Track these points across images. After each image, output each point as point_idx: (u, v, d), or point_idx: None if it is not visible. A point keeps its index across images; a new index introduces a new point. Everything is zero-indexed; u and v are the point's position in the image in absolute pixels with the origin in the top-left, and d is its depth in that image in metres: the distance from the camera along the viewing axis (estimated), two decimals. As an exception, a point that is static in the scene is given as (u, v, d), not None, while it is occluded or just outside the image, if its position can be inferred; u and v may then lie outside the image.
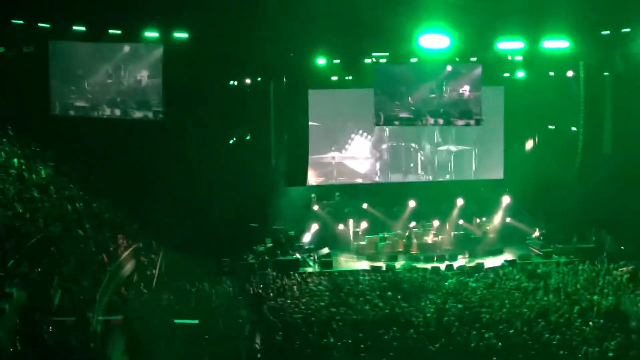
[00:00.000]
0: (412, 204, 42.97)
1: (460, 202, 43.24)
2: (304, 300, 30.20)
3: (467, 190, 44.15)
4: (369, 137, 44.69)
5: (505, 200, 43.27)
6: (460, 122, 39.23)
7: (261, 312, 28.74)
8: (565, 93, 42.30)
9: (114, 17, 33.79)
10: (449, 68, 38.02)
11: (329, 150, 44.39)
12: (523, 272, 34.51)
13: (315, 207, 43.27)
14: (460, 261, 38.31)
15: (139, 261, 32.59)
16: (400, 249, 40.30)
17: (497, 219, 42.98)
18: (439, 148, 45.46)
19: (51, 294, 22.76)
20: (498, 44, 36.12)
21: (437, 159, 45.50)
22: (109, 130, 36.10)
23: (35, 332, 20.58)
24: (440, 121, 38.92)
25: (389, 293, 31.19)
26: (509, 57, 39.16)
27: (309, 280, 34.29)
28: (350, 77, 41.54)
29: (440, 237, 41.41)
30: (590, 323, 26.57)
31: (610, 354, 23.78)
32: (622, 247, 37.16)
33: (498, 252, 40.00)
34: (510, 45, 36.45)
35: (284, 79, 42.09)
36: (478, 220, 42.91)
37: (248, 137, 43.16)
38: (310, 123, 43.42)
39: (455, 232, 41.95)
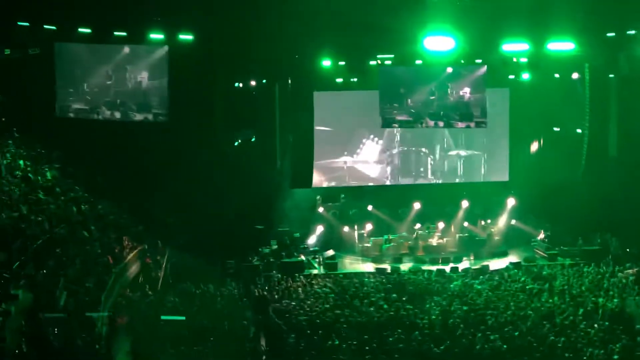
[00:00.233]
0: (417, 206, 42.96)
1: (465, 204, 43.22)
2: (308, 302, 30.18)
3: (472, 192, 44.13)
4: (380, 141, 44.69)
5: (511, 202, 43.26)
6: (461, 125, 39.32)
7: (266, 314, 28.73)
8: (571, 95, 42.31)
9: (119, 19, 33.85)
10: (449, 70, 38.05)
11: (341, 155, 44.41)
12: (528, 274, 34.46)
13: (320, 209, 43.27)
14: (465, 263, 38.33)
15: (144, 263, 32.61)
16: (405, 251, 40.31)
17: (502, 221, 42.97)
18: (449, 153, 45.44)
19: (57, 295, 22.78)
20: (503, 45, 36.12)
21: (447, 164, 45.50)
22: (115, 131, 36.18)
23: (41, 333, 20.58)
24: (441, 124, 38.96)
25: (394, 295, 31.18)
26: (514, 59, 39.17)
27: (313, 282, 34.31)
28: (355, 79, 41.52)
29: (445, 239, 41.40)
30: (596, 325, 26.51)
31: (616, 357, 23.72)
32: (628, 249, 37.15)
33: (503, 254, 40.02)
34: (516, 47, 36.44)
35: (289, 81, 42.12)
36: (483, 223, 42.92)
37: (253, 139, 43.17)
38: (321, 128, 43.55)
39: (460, 234, 41.94)
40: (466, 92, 38.03)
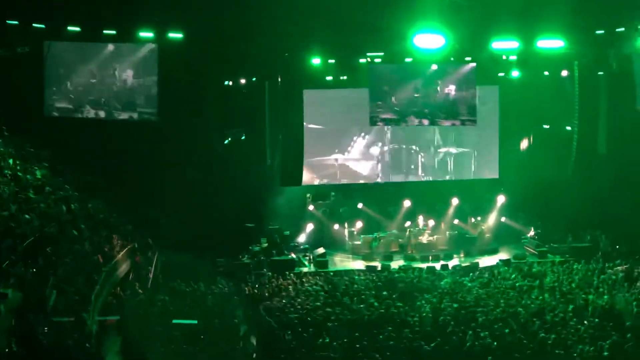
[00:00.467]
0: (407, 203, 42.99)
1: (455, 201, 43.26)
2: (299, 300, 30.17)
3: (462, 189, 44.18)
4: (371, 139, 44.74)
5: (501, 199, 43.32)
6: (447, 123, 39.36)
7: (257, 312, 28.73)
8: (560, 93, 42.45)
9: (109, 18, 33.77)
10: (435, 67, 38.06)
11: (332, 153, 44.46)
12: (518, 271, 34.51)
13: (311, 207, 43.30)
14: (456, 261, 38.38)
15: (134, 261, 32.56)
16: (396, 249, 40.34)
17: (492, 218, 43.06)
18: (440, 150, 45.50)
19: (46, 294, 22.75)
20: (493, 43, 36.13)
21: (438, 161, 45.56)
22: (105, 130, 36.09)
23: (31, 333, 20.55)
24: (425, 122, 38.97)
25: (385, 293, 31.20)
26: (504, 57, 39.21)
27: (304, 280, 34.29)
28: (345, 77, 41.54)
29: (435, 236, 41.45)
30: (586, 322, 26.57)
31: (606, 353, 23.78)
32: (617, 246, 37.22)
33: (493, 251, 40.10)
34: (505, 45, 36.47)
35: (279, 79, 42.04)
36: (473, 220, 43.00)
37: (243, 137, 43.18)
38: (312, 126, 43.54)
39: (451, 232, 42.00)
40: (452, 89, 38.04)
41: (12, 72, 33.51)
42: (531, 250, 39.84)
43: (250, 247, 38.94)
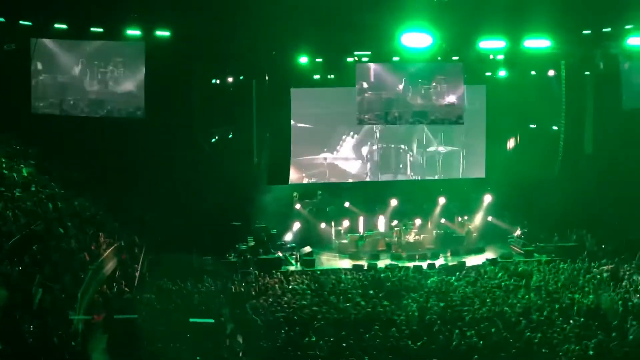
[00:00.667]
0: (393, 202, 43.02)
1: (442, 200, 43.32)
2: (285, 298, 30.13)
3: (449, 189, 44.30)
4: (360, 138, 44.85)
5: (487, 199, 43.38)
6: (434, 122, 39.44)
7: (243, 310, 28.70)
8: (547, 92, 42.65)
9: (96, 15, 33.66)
10: (422, 67, 38.07)
11: (321, 152, 44.53)
12: (504, 270, 34.58)
13: (297, 206, 43.31)
14: (442, 260, 38.43)
15: (120, 259, 32.53)
16: (382, 248, 40.38)
17: (479, 217, 43.12)
18: (428, 149, 45.60)
19: (32, 292, 22.68)
20: (480, 43, 36.14)
21: (426, 160, 45.69)
22: (92, 128, 35.98)
23: (16, 331, 20.48)
24: (413, 121, 38.98)
25: (371, 292, 31.20)
26: (491, 56, 39.28)
27: (290, 278, 34.28)
28: (332, 76, 41.61)
29: (422, 235, 41.50)
30: (571, 321, 26.63)
31: (591, 352, 23.83)
32: (603, 246, 37.32)
33: (480, 250, 40.20)
34: (492, 45, 36.48)
35: (267, 78, 42.08)
36: (460, 219, 43.06)
37: (230, 136, 43.19)
38: (301, 125, 43.63)
39: (437, 231, 42.04)
40: (439, 89, 38.04)
41: (-1, 69, 33.47)
42: (517, 249, 39.92)
43: (237, 246, 38.91)
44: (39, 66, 34.42)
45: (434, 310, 28.11)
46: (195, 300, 29.62)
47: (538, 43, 35.85)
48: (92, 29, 34.24)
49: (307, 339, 25.24)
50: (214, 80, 41.42)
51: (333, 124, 44.53)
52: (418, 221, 42.06)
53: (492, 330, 25.81)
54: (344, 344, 24.91)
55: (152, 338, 24.73)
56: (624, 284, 31.32)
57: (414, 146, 45.52)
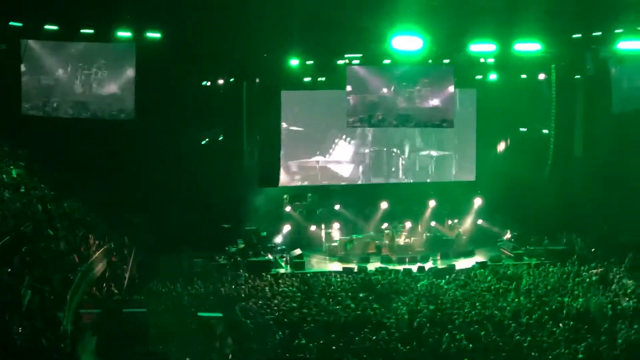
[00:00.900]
0: (384, 205, 43.03)
1: (432, 203, 43.33)
2: (275, 301, 30.15)
3: (439, 192, 44.28)
4: (352, 141, 44.85)
5: (477, 202, 43.41)
6: (424, 125, 39.54)
7: (233, 312, 28.68)
8: (537, 96, 42.76)
9: (87, 17, 33.59)
10: (413, 69, 38.07)
11: (314, 155, 44.52)
12: (494, 273, 34.60)
13: (288, 208, 43.27)
14: (432, 263, 38.43)
15: (110, 261, 32.45)
16: (372, 251, 40.39)
17: (469, 220, 43.13)
18: (421, 153, 45.63)
19: (22, 294, 22.62)
20: (470, 46, 36.19)
21: (419, 164, 45.72)
22: (82, 129, 35.90)
23: (5, 332, 20.43)
24: (404, 124, 39.02)
25: (361, 294, 31.23)
26: (482, 60, 39.35)
27: (280, 281, 34.24)
28: (323, 79, 41.61)
29: (412, 238, 41.49)
30: (561, 325, 26.68)
31: (580, 356, 23.89)
32: (592, 249, 37.36)
33: (469, 253, 40.18)
34: (483, 48, 36.54)
35: (257, 80, 42.06)
36: (450, 222, 43.05)
37: (221, 138, 43.14)
38: (293, 128, 43.63)
39: (428, 234, 42.05)
40: (430, 92, 38.07)
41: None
42: (507, 252, 39.92)
43: (226, 248, 38.84)
44: (23, 67, 34.29)
45: (424, 313, 28.17)
46: (184, 302, 29.59)
47: (528, 47, 35.92)
48: (82, 31, 34.15)
49: (296, 341, 25.29)
50: (204, 83, 41.36)
51: (324, 126, 44.48)
52: (408, 224, 42.03)
53: (482, 333, 25.88)
54: (334, 347, 24.99)
55: (142, 340, 24.69)
56: (613, 287, 31.43)
57: (407, 149, 45.53)
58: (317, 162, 44.64)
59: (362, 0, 32.56)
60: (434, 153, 45.73)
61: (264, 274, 35.56)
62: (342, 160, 45.02)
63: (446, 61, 38.54)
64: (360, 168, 45.34)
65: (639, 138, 37.84)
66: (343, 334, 26.01)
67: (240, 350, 25.21)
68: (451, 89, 38.10)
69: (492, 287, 32.07)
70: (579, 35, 35.77)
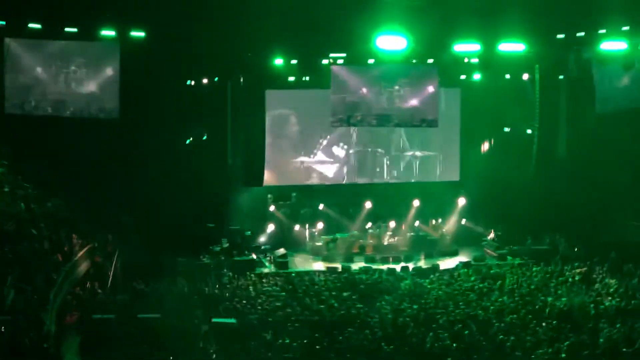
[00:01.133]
0: (368, 205, 43.04)
1: (416, 203, 43.35)
2: (259, 300, 30.14)
3: (423, 191, 44.26)
4: (337, 141, 44.79)
5: (461, 202, 43.48)
6: (409, 125, 39.61)
7: (217, 312, 28.65)
8: (521, 96, 42.89)
9: (71, 15, 33.49)
10: (397, 69, 38.10)
11: (298, 155, 44.48)
12: (478, 273, 34.67)
13: (272, 208, 43.23)
14: (416, 262, 38.47)
15: (94, 261, 32.37)
16: (356, 250, 40.41)
17: (453, 220, 43.19)
18: (405, 153, 45.64)
19: (4, 293, 22.56)
20: (455, 46, 36.26)
21: (403, 164, 45.72)
22: (65, 128, 35.79)
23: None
24: (388, 124, 39.08)
25: (345, 294, 31.24)
26: (466, 60, 39.39)
27: (264, 280, 34.24)
28: (307, 78, 41.59)
29: (396, 238, 41.53)
30: (544, 324, 26.76)
31: (563, 355, 23.98)
32: (576, 249, 37.49)
33: (453, 253, 40.26)
34: (467, 48, 36.61)
35: (241, 79, 42.01)
36: (434, 222, 43.08)
37: (205, 137, 43.06)
38: (278, 127, 43.63)
39: (411, 234, 42.07)
40: (414, 91, 38.12)
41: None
42: (491, 252, 40.02)
43: (210, 248, 38.72)
44: (12, 66, 34.15)
45: (408, 312, 28.20)
46: (168, 302, 29.52)
47: (512, 47, 36.03)
48: (66, 29, 34.05)
49: (280, 340, 25.27)
50: (188, 82, 41.26)
51: (309, 126, 44.43)
52: (392, 224, 42.05)
53: (466, 333, 25.92)
54: (318, 346, 24.97)
55: (125, 339, 24.64)
56: (596, 286, 31.56)
57: (391, 150, 45.54)
58: (302, 162, 44.60)
59: (347, -1, 32.63)
60: (418, 153, 45.73)
61: (248, 273, 35.55)
62: (326, 160, 44.99)
63: (430, 61, 38.59)
64: (345, 168, 45.32)
65: (622, 138, 37.97)
66: (327, 334, 26.01)
67: (223, 350, 25.19)
68: (431, 88, 38.18)
69: (476, 287, 32.13)
70: (563, 35, 35.87)
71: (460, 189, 44.31)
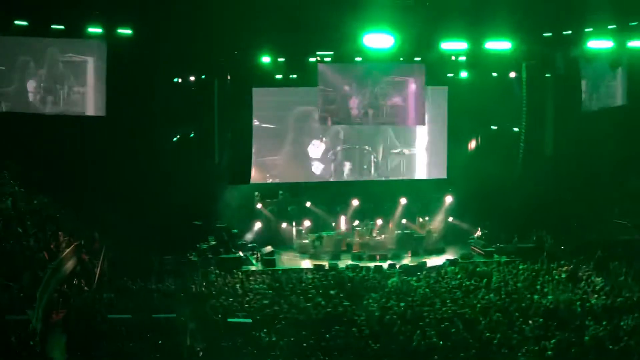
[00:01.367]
0: (355, 202, 43.05)
1: (403, 201, 43.37)
2: (246, 298, 30.12)
3: (410, 189, 44.31)
4: (324, 139, 44.79)
5: (448, 199, 43.51)
6: (396, 123, 39.69)
7: (204, 310, 28.62)
8: (508, 94, 42.96)
9: (57, 13, 33.43)
10: (384, 67, 38.14)
11: (285, 153, 44.49)
12: (464, 271, 34.71)
13: (259, 206, 43.20)
14: (403, 260, 38.50)
15: (80, 259, 32.30)
16: (343, 248, 40.40)
17: (440, 218, 43.22)
18: (392, 151, 45.65)
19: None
20: (442, 44, 36.34)
21: (390, 162, 45.73)
22: (52, 125, 35.74)
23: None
24: (375, 121, 39.16)
25: (332, 292, 31.23)
26: (453, 58, 39.48)
27: (251, 278, 34.22)
28: (295, 76, 41.59)
29: (383, 236, 41.53)
30: (530, 322, 26.83)
31: (549, 352, 24.05)
32: (562, 247, 37.58)
33: (440, 251, 40.28)
34: (454, 46, 36.70)
35: (229, 77, 41.96)
36: (421, 220, 43.10)
37: (192, 135, 43.06)
38: (265, 125, 43.58)
39: (398, 231, 42.09)
40: (401, 89, 38.18)
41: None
42: (478, 250, 40.04)
43: (197, 245, 38.71)
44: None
45: (395, 310, 28.19)
46: (155, 299, 29.51)
47: (499, 45, 36.17)
48: (53, 26, 33.99)
49: (267, 338, 25.27)
50: (175, 79, 41.25)
51: (296, 124, 44.41)
52: (379, 222, 42.07)
53: (452, 330, 25.95)
54: (305, 344, 24.97)
55: (112, 337, 24.62)
56: (582, 284, 31.62)
57: (379, 147, 45.55)
58: (289, 159, 44.58)
59: (334, -3, 32.67)
60: (405, 151, 45.77)
61: (235, 271, 35.50)
62: (314, 157, 44.99)
63: (417, 59, 38.67)
64: (332, 166, 45.32)
65: (608, 136, 38.12)
66: (314, 331, 26.01)
67: (210, 348, 25.18)
68: (418, 87, 38.25)
69: (463, 285, 32.17)
70: (550, 34, 35.99)
71: (447, 187, 44.33)
